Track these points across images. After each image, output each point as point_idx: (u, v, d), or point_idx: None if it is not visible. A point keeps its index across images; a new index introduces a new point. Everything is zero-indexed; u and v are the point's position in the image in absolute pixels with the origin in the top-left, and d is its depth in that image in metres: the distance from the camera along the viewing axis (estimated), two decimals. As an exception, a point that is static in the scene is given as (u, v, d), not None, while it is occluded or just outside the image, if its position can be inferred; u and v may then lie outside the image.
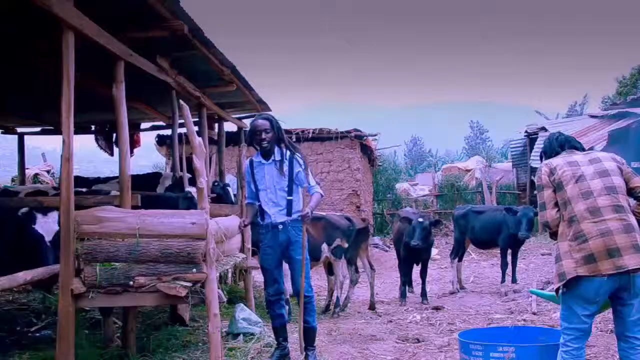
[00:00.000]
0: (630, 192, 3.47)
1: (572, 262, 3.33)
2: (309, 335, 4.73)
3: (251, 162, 4.79)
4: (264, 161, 4.71)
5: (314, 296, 4.76)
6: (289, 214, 4.66)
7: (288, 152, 4.69)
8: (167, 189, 6.65)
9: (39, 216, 4.67)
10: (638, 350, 3.33)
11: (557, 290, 3.48)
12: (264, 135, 4.61)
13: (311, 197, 4.69)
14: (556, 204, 3.51)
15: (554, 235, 3.59)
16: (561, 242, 3.45)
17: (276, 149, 4.69)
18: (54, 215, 4.68)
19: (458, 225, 9.24)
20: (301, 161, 4.72)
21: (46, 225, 4.65)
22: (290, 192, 4.67)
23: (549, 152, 3.80)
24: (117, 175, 7.22)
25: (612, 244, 3.26)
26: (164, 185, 6.84)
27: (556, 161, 3.60)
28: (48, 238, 4.60)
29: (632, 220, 3.36)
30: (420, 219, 7.63)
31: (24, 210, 4.74)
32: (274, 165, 4.68)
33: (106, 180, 7.31)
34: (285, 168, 4.65)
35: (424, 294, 7.95)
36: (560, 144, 3.75)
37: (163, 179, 7.00)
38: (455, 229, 9.44)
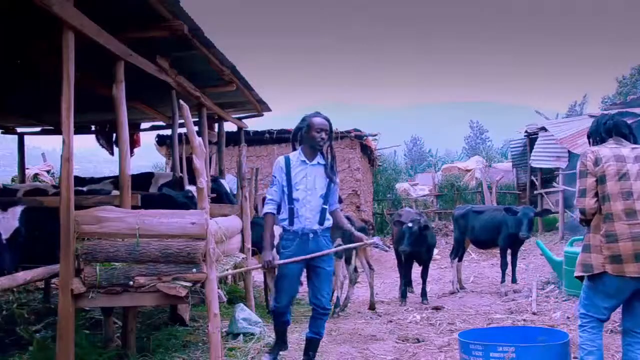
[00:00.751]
0: None
1: (601, 258, 3.43)
2: (315, 345, 4.60)
3: (288, 160, 4.45)
4: (307, 161, 4.40)
5: (330, 309, 4.57)
6: (321, 222, 4.35)
7: (331, 159, 4.45)
8: (159, 189, 6.60)
9: None
10: None
11: (579, 277, 3.58)
12: (324, 135, 4.34)
13: (337, 213, 4.55)
14: (596, 194, 3.52)
15: (585, 222, 3.63)
16: (594, 234, 3.52)
17: (318, 153, 4.44)
18: (14, 211, 4.48)
19: (458, 225, 9.24)
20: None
21: (3, 222, 4.42)
22: (326, 201, 4.38)
23: (593, 136, 3.78)
24: (111, 175, 7.27)
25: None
26: (156, 185, 6.80)
27: (604, 151, 3.56)
28: (4, 236, 4.38)
29: None
30: (410, 224, 7.54)
31: None
32: (320, 168, 4.40)
33: (99, 180, 7.23)
34: (330, 174, 4.41)
35: (424, 294, 7.96)
36: (607, 130, 3.69)
37: (156, 178, 6.96)
38: (455, 229, 9.43)
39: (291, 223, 4.32)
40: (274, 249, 4.36)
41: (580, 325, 3.66)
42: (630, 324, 3.54)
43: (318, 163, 4.40)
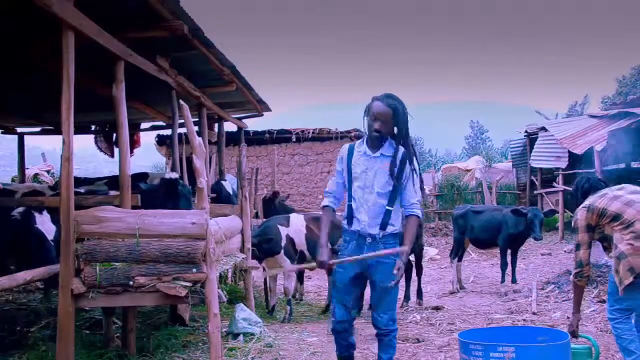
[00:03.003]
0: None
1: (625, 272, 3.82)
2: None
3: (351, 148, 3.84)
4: (369, 152, 3.73)
5: (395, 331, 3.81)
6: (383, 226, 3.69)
7: (402, 151, 3.70)
8: None
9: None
10: None
11: (621, 282, 3.88)
12: (378, 126, 3.64)
13: (408, 221, 3.74)
14: (589, 246, 4.03)
15: (579, 274, 4.09)
16: (619, 244, 3.89)
17: (387, 143, 3.74)
18: (47, 214, 4.62)
19: (457, 225, 9.23)
20: (416, 166, 3.75)
21: (46, 224, 4.56)
22: (392, 202, 3.69)
23: (575, 199, 4.37)
24: (105, 176, 7.27)
25: None
26: None
27: (593, 198, 4.11)
28: (50, 237, 4.51)
29: None
30: None
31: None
32: (384, 161, 3.71)
33: (93, 181, 7.19)
34: (395, 169, 3.67)
35: (419, 294, 7.81)
36: (584, 193, 4.26)
37: (150, 179, 6.95)
38: (455, 229, 9.43)
39: (350, 223, 3.78)
40: (328, 247, 3.74)
41: (616, 324, 4.01)
42: None
43: (382, 155, 3.72)
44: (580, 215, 4.07)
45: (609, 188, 4.18)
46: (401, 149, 3.70)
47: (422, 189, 3.86)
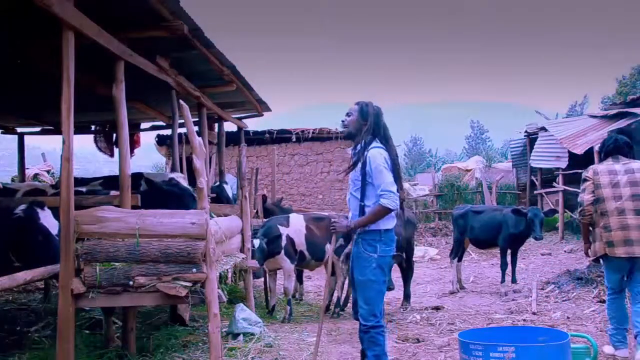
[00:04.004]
0: None
1: (602, 245, 4.73)
2: None
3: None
4: (349, 151, 4.06)
5: (380, 328, 3.87)
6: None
7: (369, 147, 3.87)
8: None
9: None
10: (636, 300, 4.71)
11: (596, 260, 5.00)
12: (343, 118, 3.99)
13: (372, 208, 3.83)
14: (592, 192, 4.82)
15: (582, 213, 4.89)
16: (596, 228, 4.82)
17: (362, 142, 3.94)
18: (49, 211, 4.64)
19: (457, 225, 9.22)
20: (379, 160, 3.81)
21: (48, 219, 4.56)
22: (363, 198, 3.86)
23: (600, 153, 5.13)
24: (100, 176, 7.23)
25: (628, 236, 4.61)
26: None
27: (601, 167, 4.90)
28: (54, 231, 4.50)
29: None
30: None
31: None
32: (353, 151, 3.97)
33: (88, 181, 7.11)
34: (359, 165, 3.87)
35: (406, 296, 7.56)
36: (607, 152, 4.97)
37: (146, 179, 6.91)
38: (455, 229, 9.42)
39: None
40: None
41: (607, 298, 4.99)
42: (630, 286, 4.76)
43: (353, 153, 3.99)
44: (590, 173, 4.89)
45: (621, 158, 4.88)
46: (370, 145, 3.87)
47: (396, 179, 3.87)
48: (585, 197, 4.84)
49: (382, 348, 3.86)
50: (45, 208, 4.64)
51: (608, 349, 4.92)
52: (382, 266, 3.86)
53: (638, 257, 4.59)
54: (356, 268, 3.91)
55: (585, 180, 4.91)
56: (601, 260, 4.93)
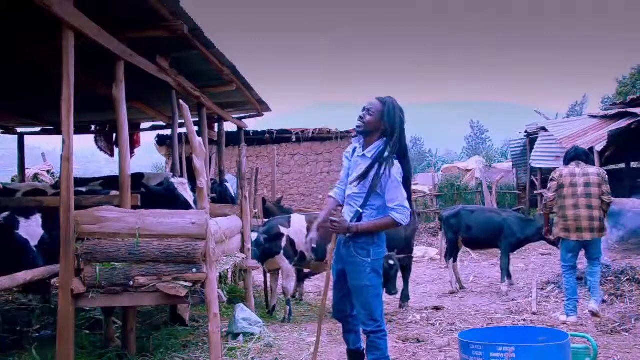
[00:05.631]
0: (601, 198, 6.10)
1: (560, 230, 6.23)
2: None
3: (355, 146, 3.86)
4: (359, 151, 3.77)
5: (381, 333, 3.75)
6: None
7: (386, 153, 3.61)
8: None
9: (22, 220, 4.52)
10: (593, 269, 6.29)
11: (558, 240, 6.46)
12: (362, 114, 3.67)
13: (378, 217, 3.66)
14: (555, 190, 6.24)
15: (545, 206, 6.46)
16: (557, 217, 6.33)
17: (376, 144, 3.69)
18: (37, 218, 4.56)
19: (450, 225, 9.12)
20: (396, 174, 3.58)
21: (30, 229, 4.49)
22: (363, 204, 3.67)
23: (564, 160, 6.58)
24: (100, 176, 7.23)
25: (580, 225, 6.08)
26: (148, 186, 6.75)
27: (565, 170, 6.29)
28: (33, 243, 4.46)
29: (596, 214, 6.06)
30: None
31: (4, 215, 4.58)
32: (365, 162, 3.68)
33: (87, 181, 7.08)
34: (372, 173, 3.60)
35: (403, 296, 7.51)
36: (569, 159, 6.42)
37: (147, 179, 6.93)
38: (447, 230, 9.28)
39: None
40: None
41: (563, 273, 6.40)
42: (590, 259, 6.31)
43: (364, 155, 3.71)
44: (557, 175, 6.29)
45: (581, 163, 6.28)
46: (385, 152, 3.61)
47: (407, 191, 3.70)
48: (550, 194, 6.28)
49: (383, 352, 3.74)
50: (33, 217, 4.55)
51: (562, 317, 6.20)
52: (377, 269, 3.73)
53: (586, 239, 6.09)
54: (350, 273, 3.74)
55: (552, 179, 6.32)
56: (560, 244, 6.41)
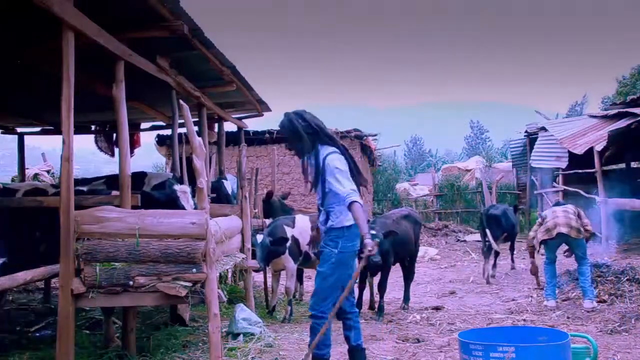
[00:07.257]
0: (583, 227, 7.00)
1: (543, 233, 7.09)
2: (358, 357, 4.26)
3: None
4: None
5: (320, 319, 4.01)
6: (324, 222, 4.12)
7: (319, 155, 4.08)
8: (153, 189, 6.51)
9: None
10: (582, 268, 7.05)
11: (542, 243, 7.27)
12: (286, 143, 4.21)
13: (351, 210, 3.85)
14: (541, 230, 7.19)
15: (531, 242, 7.55)
16: (538, 232, 7.25)
17: (313, 149, 4.11)
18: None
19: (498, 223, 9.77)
20: (329, 162, 3.98)
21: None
22: (322, 202, 4.08)
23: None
24: (101, 176, 7.20)
25: (557, 224, 6.95)
26: (149, 185, 6.74)
27: (549, 212, 7.33)
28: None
29: (574, 223, 6.95)
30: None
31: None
32: (309, 161, 4.14)
33: (90, 181, 7.05)
34: (311, 170, 4.08)
35: (406, 298, 7.49)
36: (554, 205, 7.69)
37: (148, 178, 6.92)
38: (496, 228, 9.75)
39: None
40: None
41: (544, 265, 7.37)
42: (578, 261, 7.17)
43: (310, 163, 4.17)
44: (542, 218, 7.33)
45: (563, 206, 7.37)
46: (319, 153, 4.03)
47: (353, 175, 4.02)
48: (538, 235, 7.22)
49: (320, 338, 3.95)
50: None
51: (545, 303, 7.06)
52: (342, 261, 4.01)
53: (562, 233, 6.87)
54: (320, 260, 4.10)
55: (539, 222, 7.39)
56: (542, 248, 7.37)
